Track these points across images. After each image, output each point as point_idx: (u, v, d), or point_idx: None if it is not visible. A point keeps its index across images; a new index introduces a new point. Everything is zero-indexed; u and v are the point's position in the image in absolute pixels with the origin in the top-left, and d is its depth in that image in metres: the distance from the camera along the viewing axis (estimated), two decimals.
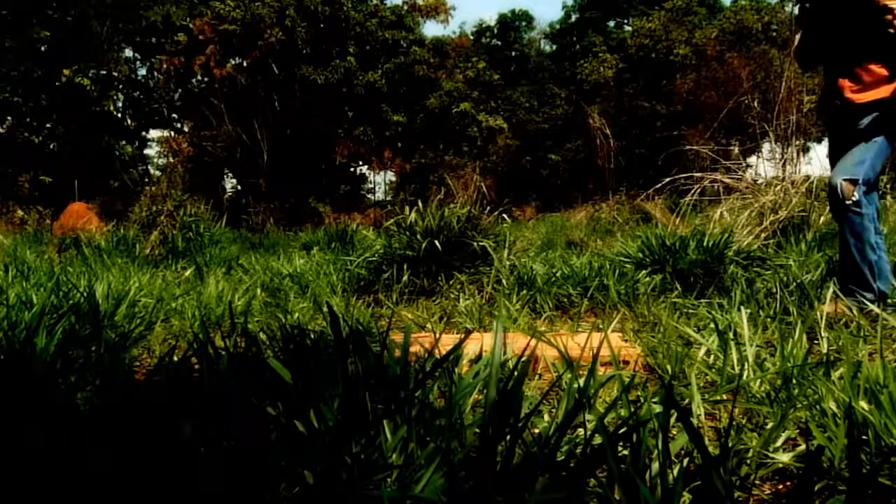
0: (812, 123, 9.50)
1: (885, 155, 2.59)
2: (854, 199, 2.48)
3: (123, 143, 20.90)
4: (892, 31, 2.31)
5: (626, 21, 30.37)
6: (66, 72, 18.78)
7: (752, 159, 13.56)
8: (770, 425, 1.31)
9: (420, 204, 4.50)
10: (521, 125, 26.55)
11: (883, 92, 2.51)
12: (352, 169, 24.24)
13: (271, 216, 16.34)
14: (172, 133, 22.93)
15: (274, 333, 2.08)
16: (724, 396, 1.62)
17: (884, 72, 2.51)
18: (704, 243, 3.97)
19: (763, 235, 5.13)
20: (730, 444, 1.10)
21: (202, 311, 3.00)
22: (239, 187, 22.23)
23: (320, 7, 19.88)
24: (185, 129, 23.12)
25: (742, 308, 2.14)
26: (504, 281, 3.69)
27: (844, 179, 2.52)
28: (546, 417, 1.51)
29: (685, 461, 1.07)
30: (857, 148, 2.57)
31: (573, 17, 32.16)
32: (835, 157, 2.73)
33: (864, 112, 2.57)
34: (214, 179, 21.25)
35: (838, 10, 2.59)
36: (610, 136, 13.97)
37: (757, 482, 1.20)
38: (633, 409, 1.17)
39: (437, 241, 4.05)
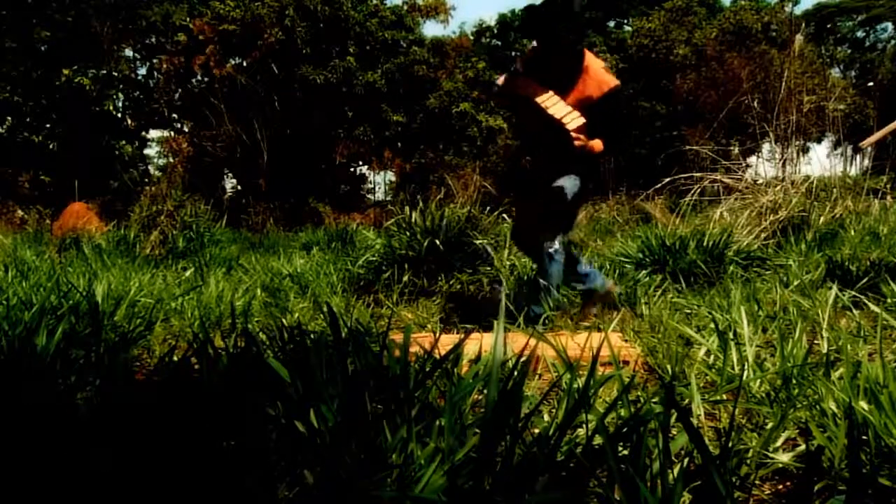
0: (812, 123, 9.50)
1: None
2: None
3: (123, 143, 20.85)
4: (575, 143, 2.72)
5: (626, 21, 30.35)
6: (66, 72, 18.77)
7: (752, 159, 13.54)
8: (770, 425, 1.31)
9: (420, 203, 4.50)
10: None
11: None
12: (352, 169, 24.20)
13: (271, 216, 16.33)
14: (172, 133, 22.89)
15: (274, 333, 2.08)
16: (724, 396, 1.62)
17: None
18: (704, 243, 3.97)
19: (763, 235, 5.13)
20: (730, 444, 1.10)
21: (202, 311, 3.00)
22: (239, 187, 22.20)
23: (320, 7, 19.87)
24: (185, 129, 23.08)
25: (742, 308, 2.14)
26: (504, 281, 3.69)
27: None
28: (546, 417, 1.51)
29: (685, 461, 1.07)
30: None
31: None
32: None
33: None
34: (214, 179, 21.22)
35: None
36: None
37: (757, 482, 1.20)
38: (633, 410, 1.16)
39: (437, 241, 4.05)
